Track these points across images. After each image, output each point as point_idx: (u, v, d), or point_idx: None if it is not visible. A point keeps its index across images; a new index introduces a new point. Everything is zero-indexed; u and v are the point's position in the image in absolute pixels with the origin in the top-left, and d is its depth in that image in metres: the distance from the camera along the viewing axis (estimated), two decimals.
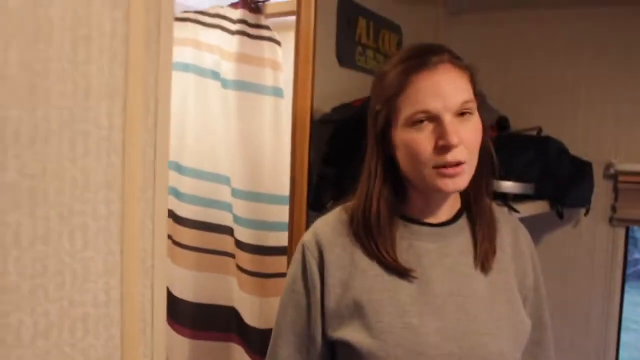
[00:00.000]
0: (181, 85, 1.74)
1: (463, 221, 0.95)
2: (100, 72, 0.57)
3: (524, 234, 1.00)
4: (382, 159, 0.91)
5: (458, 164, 0.84)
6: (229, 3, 1.68)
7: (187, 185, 1.78)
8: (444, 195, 0.91)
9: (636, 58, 1.83)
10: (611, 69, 1.86)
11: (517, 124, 1.79)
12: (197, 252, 1.78)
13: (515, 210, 1.36)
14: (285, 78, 1.60)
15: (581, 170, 1.75)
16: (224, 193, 1.72)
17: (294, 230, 1.37)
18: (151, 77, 0.61)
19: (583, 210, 1.82)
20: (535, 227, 1.05)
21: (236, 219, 1.67)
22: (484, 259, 0.91)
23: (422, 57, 0.86)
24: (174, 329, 1.82)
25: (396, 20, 1.76)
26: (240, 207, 1.64)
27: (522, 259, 0.97)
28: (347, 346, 0.87)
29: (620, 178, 1.83)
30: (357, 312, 0.87)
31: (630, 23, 1.83)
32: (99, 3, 0.56)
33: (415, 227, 0.92)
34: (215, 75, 1.69)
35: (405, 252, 0.90)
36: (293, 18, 1.40)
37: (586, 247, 1.91)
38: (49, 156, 0.51)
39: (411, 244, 0.91)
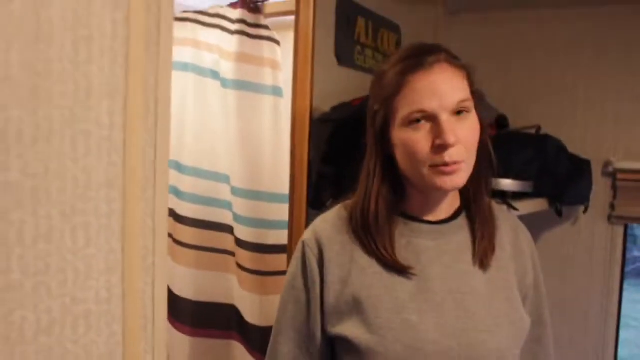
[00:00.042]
0: (181, 85, 1.74)
1: (462, 219, 0.95)
2: (101, 72, 0.57)
3: (524, 233, 1.01)
4: (381, 158, 0.91)
5: (456, 163, 0.84)
6: (228, 3, 1.69)
7: (187, 184, 1.78)
8: (443, 193, 0.92)
9: (636, 57, 1.83)
10: (610, 68, 1.86)
11: (516, 123, 1.79)
12: (197, 250, 1.79)
13: (514, 208, 1.37)
14: (284, 77, 1.61)
15: (580, 168, 1.76)
16: (223, 192, 1.73)
17: (294, 228, 1.38)
18: (151, 78, 0.62)
19: (582, 208, 1.82)
20: (534, 225, 1.06)
21: (236, 218, 1.67)
22: (482, 256, 0.92)
23: (419, 57, 0.86)
24: (175, 327, 1.83)
25: (395, 20, 1.76)
26: (240, 206, 1.65)
27: (522, 257, 0.97)
28: (346, 342, 0.88)
29: (619, 176, 1.83)
30: (356, 308, 0.88)
31: (630, 22, 1.83)
32: (100, 4, 0.56)
33: (415, 225, 0.93)
34: (214, 74, 1.70)
35: (404, 250, 0.91)
36: (292, 18, 1.41)
37: (585, 245, 1.92)
38: (51, 156, 0.52)
39: (410, 241, 0.92)
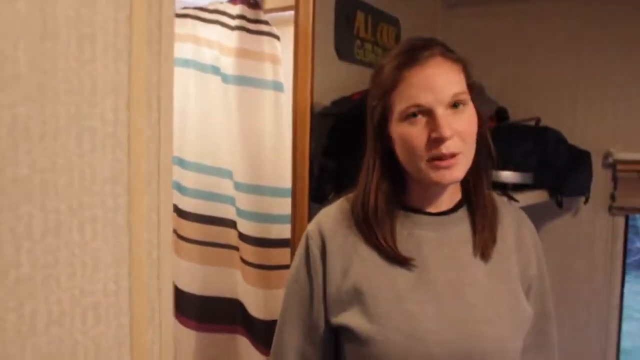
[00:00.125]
0: (182, 81, 1.75)
1: (463, 211, 0.96)
2: (105, 70, 0.58)
3: (527, 225, 1.02)
4: (380, 153, 0.93)
5: (453, 155, 0.85)
6: None
7: (189, 179, 1.79)
8: (443, 186, 0.93)
9: (635, 48, 1.84)
10: (610, 60, 1.87)
11: (516, 115, 1.80)
12: (201, 245, 1.80)
13: (515, 200, 1.38)
14: (284, 72, 1.62)
15: (579, 160, 1.77)
16: (226, 186, 1.74)
17: (297, 222, 1.39)
18: (154, 74, 0.63)
19: (582, 199, 1.83)
20: (535, 217, 1.06)
21: (239, 212, 1.68)
22: (483, 247, 0.93)
23: (414, 52, 0.88)
24: (180, 322, 1.84)
25: (394, 14, 1.77)
26: (243, 200, 1.66)
27: (524, 248, 0.98)
28: (347, 331, 0.90)
29: (619, 167, 1.84)
30: (357, 298, 0.89)
31: (629, 14, 1.83)
32: (103, 3, 0.57)
33: (416, 217, 0.94)
34: (215, 70, 1.70)
35: (405, 241, 0.92)
36: (291, 13, 1.41)
37: (586, 236, 1.92)
38: (57, 152, 0.53)
39: (411, 233, 0.93)
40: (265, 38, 1.63)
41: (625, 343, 1.95)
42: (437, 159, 0.85)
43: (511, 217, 1.00)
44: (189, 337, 1.83)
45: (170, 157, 0.67)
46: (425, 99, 0.85)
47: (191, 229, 1.81)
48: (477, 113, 0.90)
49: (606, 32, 1.86)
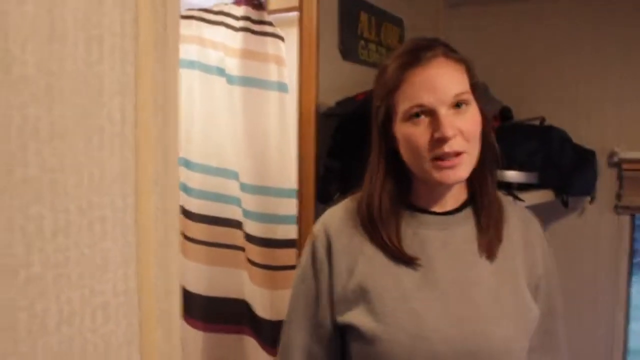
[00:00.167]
0: (187, 82, 1.76)
1: (469, 210, 0.96)
2: (112, 71, 0.59)
3: (534, 224, 1.02)
4: (384, 153, 0.93)
5: (457, 154, 0.85)
6: (232, 0, 1.70)
7: (196, 180, 1.80)
8: (447, 186, 0.93)
9: (637, 46, 1.83)
10: (613, 58, 1.87)
11: (520, 115, 1.80)
12: (207, 246, 1.81)
13: (520, 199, 1.38)
14: (288, 73, 1.62)
15: (584, 159, 1.76)
16: (232, 188, 1.75)
17: (303, 222, 1.40)
18: (160, 75, 0.64)
19: (588, 199, 1.83)
20: (540, 216, 1.06)
21: (245, 213, 1.69)
22: (488, 247, 0.93)
23: (417, 53, 0.88)
24: (187, 322, 1.85)
25: (397, 14, 1.77)
26: (249, 201, 1.66)
27: (531, 248, 0.98)
28: (353, 330, 0.90)
29: (624, 166, 1.84)
30: (362, 297, 0.90)
31: (631, 10, 1.83)
32: (110, 5, 0.58)
33: (421, 216, 0.94)
34: (220, 71, 1.71)
35: (410, 241, 0.92)
36: (295, 14, 1.42)
37: (592, 236, 1.92)
38: (66, 152, 0.54)
39: (416, 232, 0.93)
40: (269, 39, 1.63)
41: (633, 343, 1.94)
42: (441, 159, 0.86)
43: (517, 216, 1.00)
44: (196, 337, 1.84)
45: (177, 157, 0.67)
46: (428, 99, 0.85)
47: (197, 230, 1.81)
48: (481, 113, 0.90)
49: (608, 29, 1.86)
